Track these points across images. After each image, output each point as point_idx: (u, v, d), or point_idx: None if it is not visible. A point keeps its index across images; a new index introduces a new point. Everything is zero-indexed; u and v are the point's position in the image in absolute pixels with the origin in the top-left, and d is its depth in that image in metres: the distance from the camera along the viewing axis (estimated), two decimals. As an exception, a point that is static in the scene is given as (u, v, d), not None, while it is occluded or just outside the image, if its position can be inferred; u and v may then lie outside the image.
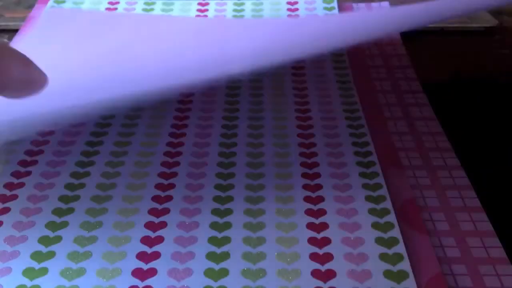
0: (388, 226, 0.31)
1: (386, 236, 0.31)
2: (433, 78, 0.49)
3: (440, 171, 0.36)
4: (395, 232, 0.31)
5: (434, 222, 0.32)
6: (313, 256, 0.30)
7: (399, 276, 0.28)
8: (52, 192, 0.34)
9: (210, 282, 0.28)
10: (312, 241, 0.31)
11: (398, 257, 0.29)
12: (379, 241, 0.30)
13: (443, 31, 0.57)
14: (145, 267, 0.29)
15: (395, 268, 0.29)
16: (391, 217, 0.32)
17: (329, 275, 0.28)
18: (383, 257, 0.29)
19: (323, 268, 0.29)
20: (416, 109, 0.43)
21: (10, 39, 0.53)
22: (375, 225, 0.31)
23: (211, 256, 0.30)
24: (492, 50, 0.53)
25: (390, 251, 0.30)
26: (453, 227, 0.32)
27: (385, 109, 0.43)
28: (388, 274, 0.28)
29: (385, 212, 0.32)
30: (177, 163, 0.36)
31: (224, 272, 0.29)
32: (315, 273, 0.29)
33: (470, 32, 0.57)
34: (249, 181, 0.35)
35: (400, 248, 0.30)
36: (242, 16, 0.55)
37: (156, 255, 0.30)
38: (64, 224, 0.32)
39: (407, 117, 0.42)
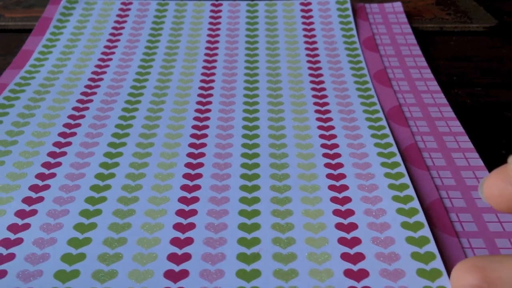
0: (418, 226, 0.31)
1: (416, 235, 0.31)
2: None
3: (464, 171, 0.36)
4: (426, 232, 0.31)
5: (462, 224, 0.32)
6: (344, 256, 0.30)
7: (432, 275, 0.28)
8: (77, 193, 0.34)
9: (242, 283, 0.28)
10: (342, 241, 0.31)
11: (430, 256, 0.29)
12: (409, 240, 0.30)
13: (443, 31, 0.57)
14: (176, 268, 0.29)
15: (428, 267, 0.29)
16: (420, 217, 0.32)
17: (362, 274, 0.28)
18: (415, 256, 0.29)
19: (355, 268, 0.29)
20: (436, 109, 0.43)
21: (10, 38, 0.53)
22: (404, 225, 0.31)
23: (241, 257, 0.30)
24: (492, 50, 0.53)
25: (421, 250, 0.30)
26: (481, 228, 0.32)
27: (405, 110, 0.43)
28: (421, 273, 0.28)
29: (413, 212, 0.32)
30: (201, 164, 0.36)
31: (257, 273, 0.29)
32: (348, 273, 0.29)
33: (470, 32, 0.57)
34: (275, 182, 0.35)
35: (432, 247, 0.30)
36: (256, 17, 0.55)
37: (187, 257, 0.29)
38: (93, 226, 0.31)
39: (428, 117, 0.42)
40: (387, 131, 0.39)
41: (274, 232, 0.31)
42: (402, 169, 0.35)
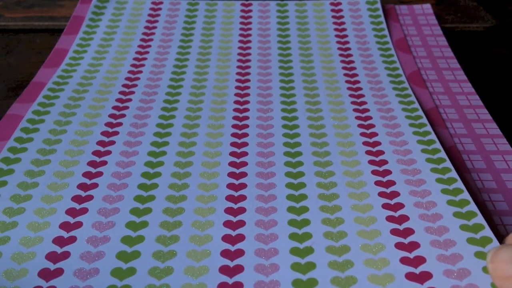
0: (471, 215, 0.32)
1: (470, 223, 0.31)
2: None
3: (504, 174, 0.37)
4: (479, 219, 0.31)
5: (505, 226, 0.33)
6: (399, 245, 0.30)
7: None
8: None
9: (299, 275, 0.29)
10: (394, 232, 0.31)
11: (486, 240, 0.30)
12: (464, 227, 0.31)
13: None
14: (231, 264, 0.29)
15: (485, 249, 0.29)
16: (472, 207, 0.32)
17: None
18: (470, 241, 0.30)
19: (411, 255, 0.30)
20: (472, 111, 0.43)
21: (10, 38, 0.53)
22: (457, 214, 0.32)
23: (295, 251, 0.30)
24: (492, 50, 0.53)
25: (477, 236, 0.30)
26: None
27: (441, 111, 0.43)
28: (479, 255, 0.29)
29: (464, 203, 0.33)
30: (245, 163, 0.37)
31: (312, 266, 0.29)
32: (404, 260, 0.29)
33: (470, 32, 0.57)
34: (320, 180, 0.35)
35: (487, 232, 0.30)
36: (287, 17, 0.55)
37: (240, 253, 0.30)
38: (145, 224, 0.32)
39: (464, 119, 0.42)
40: (428, 128, 0.39)
41: (325, 226, 0.32)
42: (448, 164, 0.36)
